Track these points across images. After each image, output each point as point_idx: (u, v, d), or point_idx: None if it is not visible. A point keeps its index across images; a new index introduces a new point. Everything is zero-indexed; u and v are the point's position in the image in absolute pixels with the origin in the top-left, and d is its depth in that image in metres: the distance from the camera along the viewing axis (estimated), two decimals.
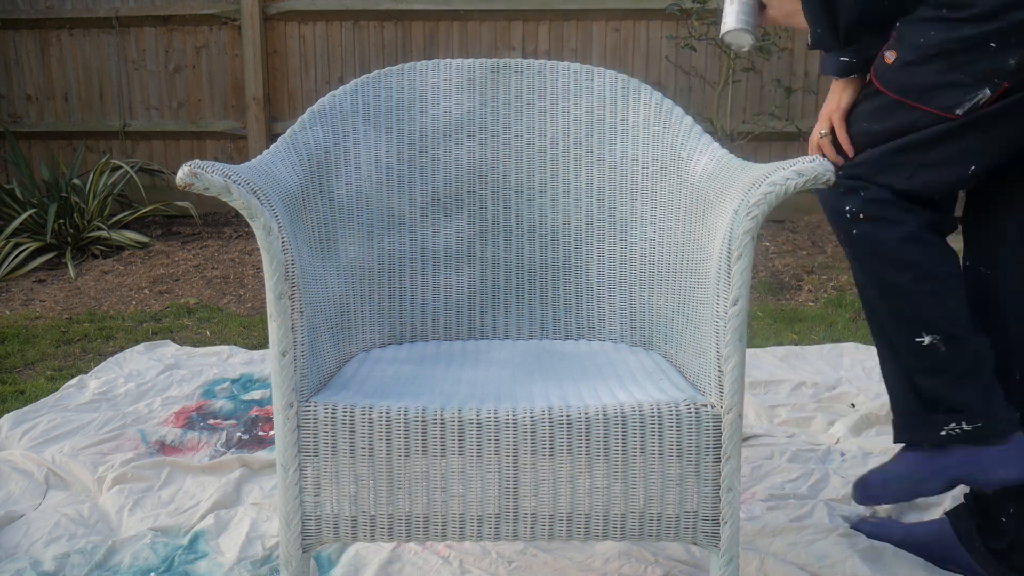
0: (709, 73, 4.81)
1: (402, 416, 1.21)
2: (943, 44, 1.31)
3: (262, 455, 2.00)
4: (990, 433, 1.37)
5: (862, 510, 1.76)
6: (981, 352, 1.39)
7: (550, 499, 1.23)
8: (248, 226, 4.95)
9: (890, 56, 1.36)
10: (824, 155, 1.47)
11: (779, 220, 4.96)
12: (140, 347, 2.84)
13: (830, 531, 1.66)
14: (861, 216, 1.38)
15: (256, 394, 2.43)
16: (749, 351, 2.73)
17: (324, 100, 1.57)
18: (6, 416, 2.23)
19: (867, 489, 1.48)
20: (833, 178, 1.17)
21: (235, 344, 2.97)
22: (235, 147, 5.19)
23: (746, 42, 1.58)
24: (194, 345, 2.96)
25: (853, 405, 2.30)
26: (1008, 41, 1.27)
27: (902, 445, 1.46)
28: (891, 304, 1.40)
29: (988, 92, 1.30)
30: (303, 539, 1.25)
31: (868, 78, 1.41)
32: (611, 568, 1.57)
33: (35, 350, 2.95)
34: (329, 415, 1.22)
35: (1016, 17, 1.26)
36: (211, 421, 2.26)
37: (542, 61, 1.65)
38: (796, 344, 2.86)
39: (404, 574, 1.56)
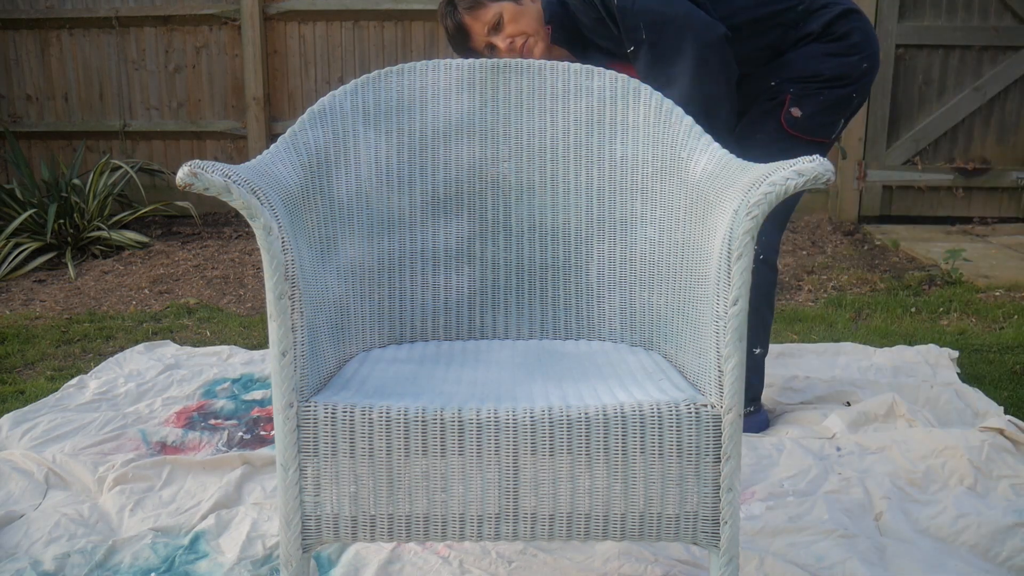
0: None
1: (402, 416, 1.21)
2: (832, 100, 2.07)
3: (264, 452, 2.00)
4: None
5: (860, 504, 1.76)
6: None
7: (550, 499, 1.23)
8: (248, 226, 4.95)
9: (796, 111, 2.07)
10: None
11: None
12: (140, 347, 2.84)
13: (830, 532, 1.66)
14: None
15: (257, 394, 2.43)
16: None
17: (324, 100, 1.56)
18: (6, 416, 2.23)
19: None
20: (833, 178, 1.17)
21: (235, 344, 2.97)
22: (235, 147, 5.19)
23: None
24: (194, 345, 2.96)
25: (848, 403, 2.30)
26: (861, 93, 2.11)
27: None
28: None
29: (843, 122, 2.14)
30: (303, 539, 1.25)
31: (778, 126, 2.08)
32: (611, 568, 1.57)
33: (35, 350, 2.95)
34: (329, 415, 1.22)
35: (868, 79, 2.10)
36: (212, 421, 2.26)
37: (542, 61, 1.65)
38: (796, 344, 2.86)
39: (404, 574, 1.57)
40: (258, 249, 4.25)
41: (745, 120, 2.12)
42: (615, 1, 1.94)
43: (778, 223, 2.16)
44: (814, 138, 2.10)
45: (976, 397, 2.28)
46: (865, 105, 4.89)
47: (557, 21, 2.08)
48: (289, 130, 1.51)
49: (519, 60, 1.64)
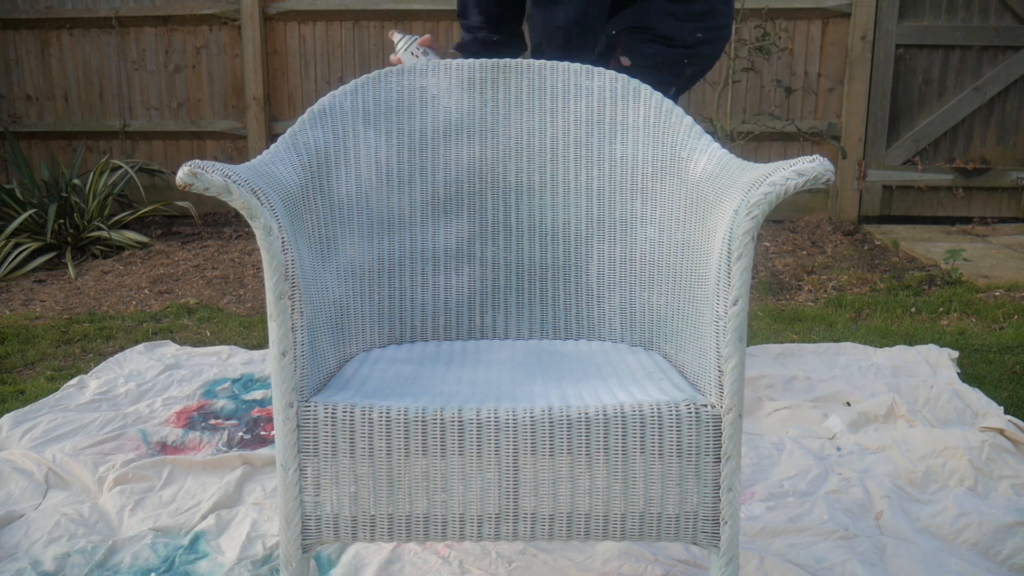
0: (709, 73, 4.80)
1: (402, 416, 1.21)
2: (659, 58, 2.10)
3: (264, 452, 2.00)
4: None
5: (860, 503, 1.76)
6: None
7: (550, 499, 1.23)
8: (248, 226, 4.95)
9: (625, 60, 2.06)
10: None
11: (779, 220, 4.96)
12: (140, 347, 2.84)
13: (830, 533, 1.66)
14: None
15: (257, 394, 2.43)
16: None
17: (324, 100, 1.56)
18: (6, 416, 2.23)
19: None
20: (833, 178, 1.17)
21: (235, 344, 2.97)
22: (235, 147, 5.19)
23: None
24: (194, 345, 2.96)
25: (848, 403, 2.30)
26: (694, 62, 2.13)
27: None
28: None
29: (674, 91, 2.15)
30: (303, 539, 1.25)
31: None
32: (611, 568, 1.57)
33: (35, 350, 2.95)
34: (329, 415, 1.22)
35: (703, 50, 2.12)
36: (212, 421, 2.26)
37: (542, 61, 1.65)
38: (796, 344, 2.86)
39: (404, 574, 1.57)
40: (258, 249, 4.25)
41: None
42: None
43: None
44: None
45: (976, 397, 2.28)
46: (865, 105, 4.90)
47: None
48: (289, 130, 1.51)
49: (519, 60, 1.64)
